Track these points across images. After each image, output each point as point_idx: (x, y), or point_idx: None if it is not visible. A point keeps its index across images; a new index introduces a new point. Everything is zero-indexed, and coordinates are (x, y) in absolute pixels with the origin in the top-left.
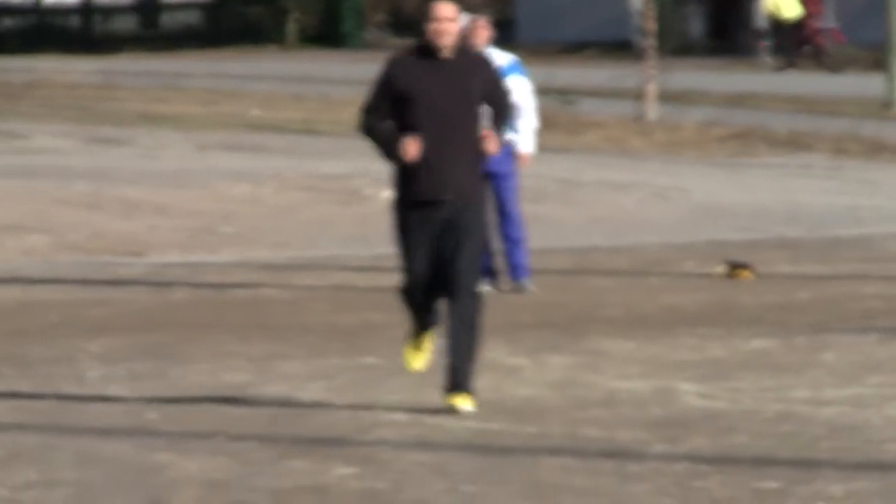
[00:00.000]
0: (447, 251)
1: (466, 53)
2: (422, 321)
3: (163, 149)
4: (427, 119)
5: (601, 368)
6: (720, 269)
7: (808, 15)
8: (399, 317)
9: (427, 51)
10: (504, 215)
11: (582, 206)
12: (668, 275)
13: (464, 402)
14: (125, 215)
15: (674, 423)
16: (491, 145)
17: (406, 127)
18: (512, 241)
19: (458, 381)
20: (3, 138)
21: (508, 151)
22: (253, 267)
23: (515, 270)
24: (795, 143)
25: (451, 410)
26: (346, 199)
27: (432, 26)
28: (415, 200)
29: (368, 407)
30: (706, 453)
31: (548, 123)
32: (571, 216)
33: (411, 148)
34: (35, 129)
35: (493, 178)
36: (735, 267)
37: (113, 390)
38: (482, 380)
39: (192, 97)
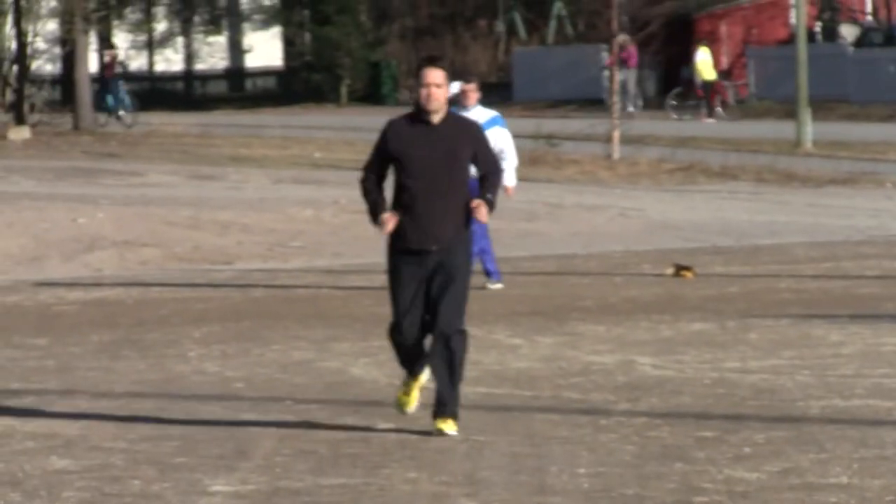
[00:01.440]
0: (435, 293)
1: (456, 118)
2: (408, 363)
3: (247, 182)
4: (417, 177)
5: (578, 346)
6: (669, 270)
7: (724, 76)
8: None
9: (419, 115)
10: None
11: (564, 223)
12: (629, 274)
13: (449, 427)
14: (218, 233)
15: (634, 387)
16: (481, 215)
17: (400, 182)
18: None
19: (444, 409)
20: (124, 175)
21: None
22: (315, 272)
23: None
24: (726, 174)
25: (440, 433)
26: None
27: (423, 91)
28: (405, 248)
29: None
30: (659, 410)
31: (537, 161)
32: (556, 231)
33: (388, 225)
34: (149, 168)
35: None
36: (680, 268)
37: (208, 366)
38: (489, 356)
39: (269, 143)
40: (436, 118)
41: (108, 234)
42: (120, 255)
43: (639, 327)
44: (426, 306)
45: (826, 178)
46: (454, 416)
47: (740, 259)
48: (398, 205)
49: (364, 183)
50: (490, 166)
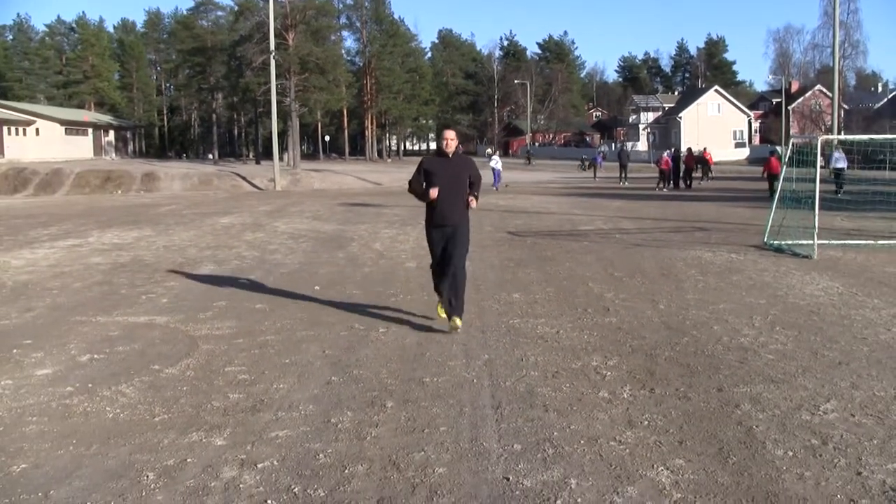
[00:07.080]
0: (450, 249)
1: (460, 155)
2: (438, 288)
3: None
4: (440, 186)
5: (493, 199)
6: (505, 186)
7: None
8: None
9: (441, 153)
10: None
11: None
12: (508, 188)
13: (458, 323)
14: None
15: (496, 209)
16: (473, 204)
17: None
18: None
19: (455, 311)
20: (396, 167)
21: None
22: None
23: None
24: (525, 169)
25: (453, 328)
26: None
27: (443, 141)
28: (434, 224)
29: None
30: (498, 210)
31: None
32: (490, 178)
33: (433, 192)
34: (404, 168)
35: None
36: (506, 185)
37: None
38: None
39: None
40: (450, 154)
41: (385, 182)
42: (390, 182)
43: (504, 196)
44: (445, 251)
45: (531, 168)
46: (460, 315)
47: (527, 185)
48: (429, 203)
49: (411, 185)
50: (476, 178)
